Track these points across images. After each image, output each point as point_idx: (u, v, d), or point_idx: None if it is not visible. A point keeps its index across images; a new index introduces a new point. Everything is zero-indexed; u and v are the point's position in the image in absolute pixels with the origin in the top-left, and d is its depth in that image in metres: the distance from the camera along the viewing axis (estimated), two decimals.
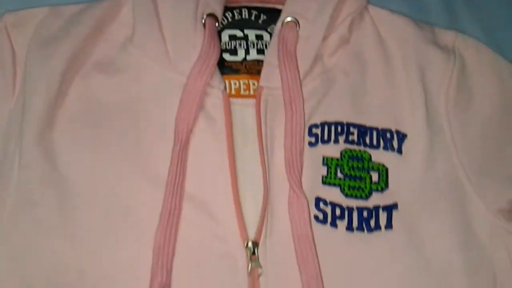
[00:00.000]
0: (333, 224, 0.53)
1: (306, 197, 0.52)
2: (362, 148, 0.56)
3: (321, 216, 0.53)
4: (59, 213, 0.49)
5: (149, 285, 0.47)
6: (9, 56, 0.55)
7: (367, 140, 0.57)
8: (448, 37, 0.61)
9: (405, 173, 0.56)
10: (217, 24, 0.58)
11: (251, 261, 0.49)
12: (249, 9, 0.62)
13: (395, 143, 0.57)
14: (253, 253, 0.50)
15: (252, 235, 0.51)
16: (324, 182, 0.55)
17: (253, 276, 0.49)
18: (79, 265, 0.48)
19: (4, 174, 0.51)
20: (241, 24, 0.61)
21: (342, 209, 0.53)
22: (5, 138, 0.52)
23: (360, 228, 0.53)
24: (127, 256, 0.49)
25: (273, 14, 0.61)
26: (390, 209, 0.54)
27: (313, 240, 0.51)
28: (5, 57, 0.55)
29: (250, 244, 0.50)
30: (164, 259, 0.48)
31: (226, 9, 0.61)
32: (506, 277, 0.53)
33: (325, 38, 0.59)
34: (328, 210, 0.53)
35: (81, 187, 0.50)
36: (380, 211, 0.54)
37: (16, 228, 0.49)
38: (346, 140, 0.56)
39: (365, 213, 0.54)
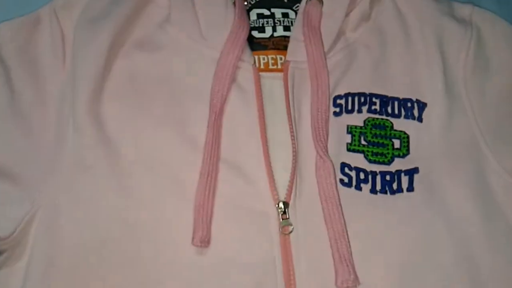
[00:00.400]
0: (358, 187, 0.57)
1: (332, 162, 0.56)
2: (384, 117, 0.60)
3: (346, 179, 0.57)
4: (110, 173, 0.54)
5: (192, 239, 0.51)
6: (59, 37, 0.59)
7: (389, 110, 0.60)
8: (465, 10, 0.64)
9: (425, 139, 0.59)
10: (245, 3, 0.62)
11: (282, 220, 0.54)
12: None
13: (415, 112, 0.60)
14: (284, 212, 0.54)
15: (282, 196, 0.55)
16: (348, 149, 0.58)
17: (284, 233, 0.53)
18: (127, 218, 0.53)
19: (61, 134, 0.55)
20: (268, 3, 0.65)
21: (366, 173, 0.57)
22: (60, 103, 0.57)
23: (383, 190, 0.57)
24: (170, 213, 0.53)
25: None
26: (411, 173, 0.57)
27: (339, 201, 0.55)
28: (56, 37, 0.59)
29: (281, 204, 0.54)
30: (204, 216, 0.52)
31: None
32: None
33: (347, 14, 0.62)
34: (353, 174, 0.57)
35: (127, 149, 0.55)
36: (402, 175, 0.57)
37: (74, 184, 0.54)
38: (369, 110, 0.60)
39: (387, 177, 0.57)
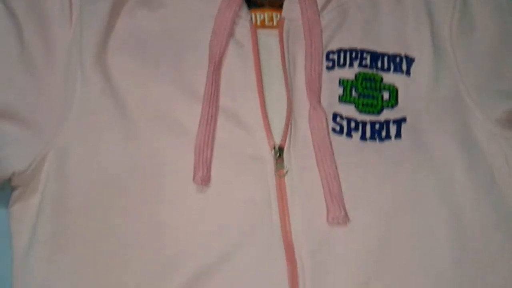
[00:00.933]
0: (349, 135, 0.60)
1: (324, 112, 0.60)
2: (374, 71, 0.63)
3: (337, 128, 0.60)
4: (116, 119, 0.58)
5: (193, 177, 0.55)
6: (66, 1, 0.62)
7: (379, 64, 0.64)
8: None
9: (413, 92, 0.63)
10: None
11: (277, 163, 0.57)
12: None
13: (404, 66, 0.64)
14: (279, 156, 0.58)
15: (278, 142, 0.58)
16: (340, 100, 0.62)
17: (280, 175, 0.57)
18: (133, 160, 0.56)
19: (70, 85, 0.59)
20: None
21: (357, 123, 0.61)
22: (68, 58, 0.60)
23: (372, 138, 0.60)
24: (173, 155, 0.57)
25: None
26: (399, 122, 0.61)
27: (331, 147, 0.58)
28: (64, 1, 0.62)
29: (276, 149, 0.58)
30: (204, 157, 0.56)
31: None
32: (503, 178, 0.60)
33: None
34: (344, 123, 0.61)
35: (132, 98, 0.59)
36: (391, 124, 0.61)
37: (83, 129, 0.58)
38: (360, 65, 0.64)
39: (377, 126, 0.61)
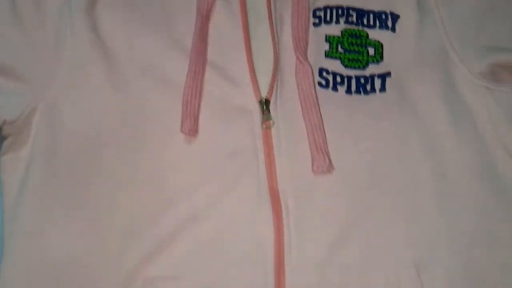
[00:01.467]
0: (334, 88, 0.61)
1: (310, 66, 0.61)
2: (360, 27, 0.64)
3: (324, 82, 0.62)
4: (105, 72, 0.59)
5: (180, 127, 0.56)
6: None
7: (365, 21, 0.65)
8: None
9: (398, 47, 0.64)
10: None
11: (263, 115, 0.59)
12: None
13: (389, 23, 0.65)
14: (266, 109, 0.59)
15: (264, 94, 0.60)
16: (326, 56, 0.63)
17: (266, 127, 0.58)
18: (122, 110, 0.58)
19: (61, 40, 0.60)
20: None
21: (342, 77, 0.62)
22: (58, 17, 0.61)
23: (357, 91, 0.61)
24: (161, 106, 0.58)
25: None
26: (384, 76, 0.62)
27: (317, 99, 0.60)
28: None
29: (263, 101, 0.59)
30: (191, 109, 0.57)
31: None
32: (486, 129, 0.61)
33: None
34: (330, 77, 0.62)
35: (120, 52, 0.60)
36: (376, 78, 0.62)
37: (73, 82, 0.59)
38: (346, 21, 0.65)
39: (362, 80, 0.62)
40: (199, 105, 0.58)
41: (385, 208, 0.57)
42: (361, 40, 0.64)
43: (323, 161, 0.57)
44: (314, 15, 0.65)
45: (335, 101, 0.61)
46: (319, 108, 0.59)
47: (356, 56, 0.63)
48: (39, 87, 0.59)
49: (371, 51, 0.64)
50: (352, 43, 0.64)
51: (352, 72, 0.62)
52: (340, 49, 0.64)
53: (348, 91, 0.62)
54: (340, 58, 0.63)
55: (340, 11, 0.65)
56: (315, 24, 0.64)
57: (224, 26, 0.62)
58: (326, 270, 0.54)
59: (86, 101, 0.58)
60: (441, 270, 0.55)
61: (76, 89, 0.59)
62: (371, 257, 0.55)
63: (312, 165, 0.57)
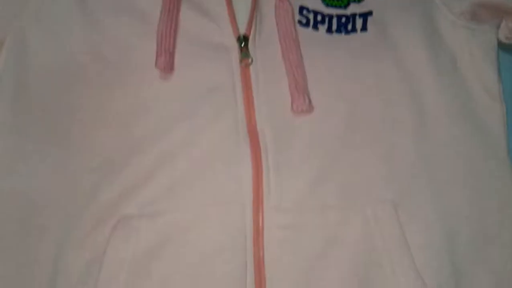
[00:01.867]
0: (315, 27, 0.60)
1: (290, 3, 0.59)
2: None
3: (304, 20, 0.60)
4: (76, 8, 0.57)
5: (155, 63, 0.54)
6: None
7: None
8: None
9: None
10: None
11: (242, 52, 0.57)
12: None
13: None
14: (244, 45, 0.57)
15: (243, 31, 0.58)
16: None
17: (245, 64, 0.57)
18: (92, 46, 0.56)
19: None
20: None
21: (323, 16, 0.60)
22: None
23: (338, 30, 0.60)
24: (135, 42, 0.57)
25: None
26: (365, 15, 0.61)
27: (297, 37, 0.58)
28: None
29: (241, 37, 0.57)
30: (166, 44, 0.55)
31: None
32: (466, 67, 0.61)
33: None
34: (311, 16, 0.60)
35: None
36: (357, 17, 0.61)
37: (43, 16, 0.57)
38: None
39: (343, 19, 0.60)
40: (174, 40, 0.56)
41: (364, 147, 0.56)
42: None
43: (302, 101, 0.55)
44: None
45: (315, 41, 0.59)
46: (299, 47, 0.57)
47: None
48: (6, 19, 0.56)
49: None
50: None
51: (333, 11, 0.61)
52: None
53: (329, 30, 0.60)
54: None
55: None
56: None
57: None
58: (305, 209, 0.53)
59: (56, 34, 0.56)
60: (419, 209, 0.55)
61: (46, 24, 0.57)
62: (350, 196, 0.54)
63: (292, 105, 0.56)
